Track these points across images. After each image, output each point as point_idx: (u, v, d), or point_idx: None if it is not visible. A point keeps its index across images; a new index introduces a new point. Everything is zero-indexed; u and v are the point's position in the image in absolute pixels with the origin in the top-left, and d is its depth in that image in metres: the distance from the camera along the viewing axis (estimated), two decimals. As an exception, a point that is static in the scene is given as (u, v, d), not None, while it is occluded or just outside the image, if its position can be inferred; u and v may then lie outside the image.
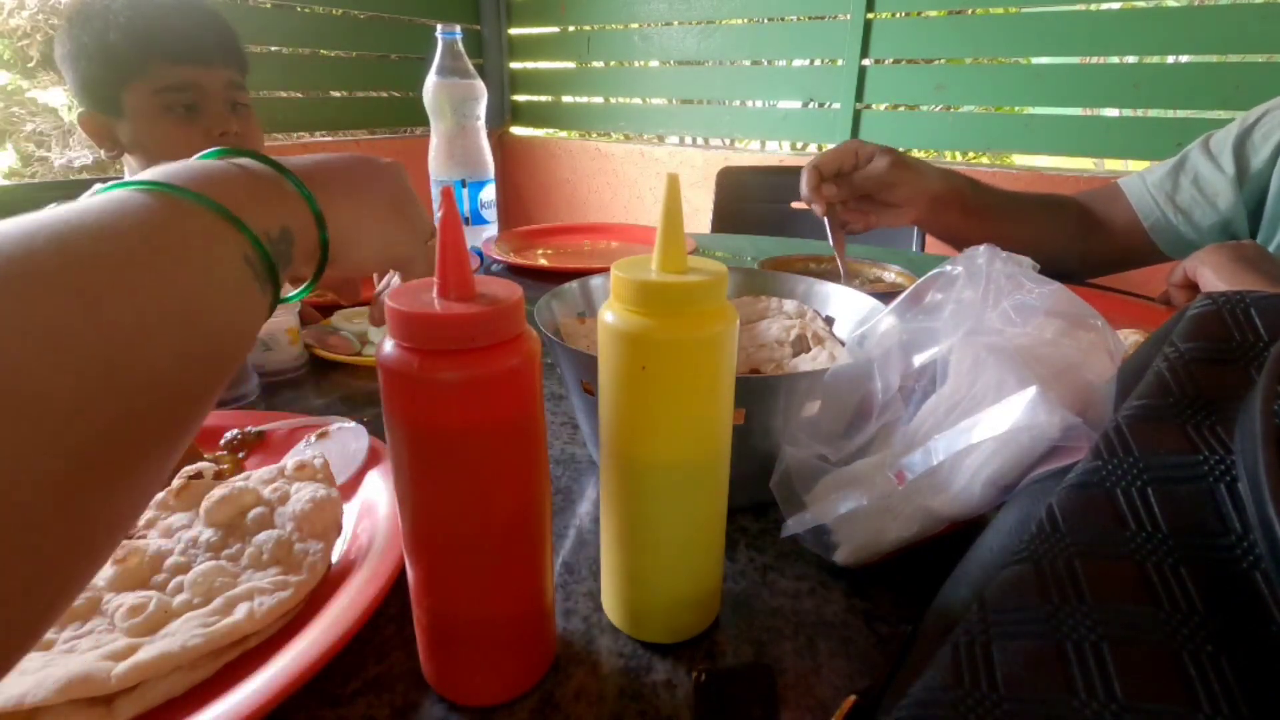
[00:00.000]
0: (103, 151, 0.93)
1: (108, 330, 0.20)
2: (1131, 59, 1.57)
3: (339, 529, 0.36)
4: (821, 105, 1.95)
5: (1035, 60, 1.68)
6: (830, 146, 0.85)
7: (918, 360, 0.36)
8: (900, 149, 0.84)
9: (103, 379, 0.19)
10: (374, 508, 0.39)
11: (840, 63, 1.85)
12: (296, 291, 0.34)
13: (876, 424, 0.37)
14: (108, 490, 0.20)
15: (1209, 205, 0.82)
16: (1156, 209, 0.86)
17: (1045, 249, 0.84)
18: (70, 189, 0.95)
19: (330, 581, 0.34)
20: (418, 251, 0.38)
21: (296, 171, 0.30)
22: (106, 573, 0.32)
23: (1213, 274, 0.64)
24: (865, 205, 0.85)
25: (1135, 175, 0.90)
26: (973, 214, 0.88)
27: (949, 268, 0.37)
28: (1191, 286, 0.69)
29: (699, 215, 1.89)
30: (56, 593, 0.19)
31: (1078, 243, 0.91)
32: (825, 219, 0.83)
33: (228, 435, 0.47)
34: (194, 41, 0.89)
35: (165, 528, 0.35)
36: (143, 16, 0.85)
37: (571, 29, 2.39)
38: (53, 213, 0.22)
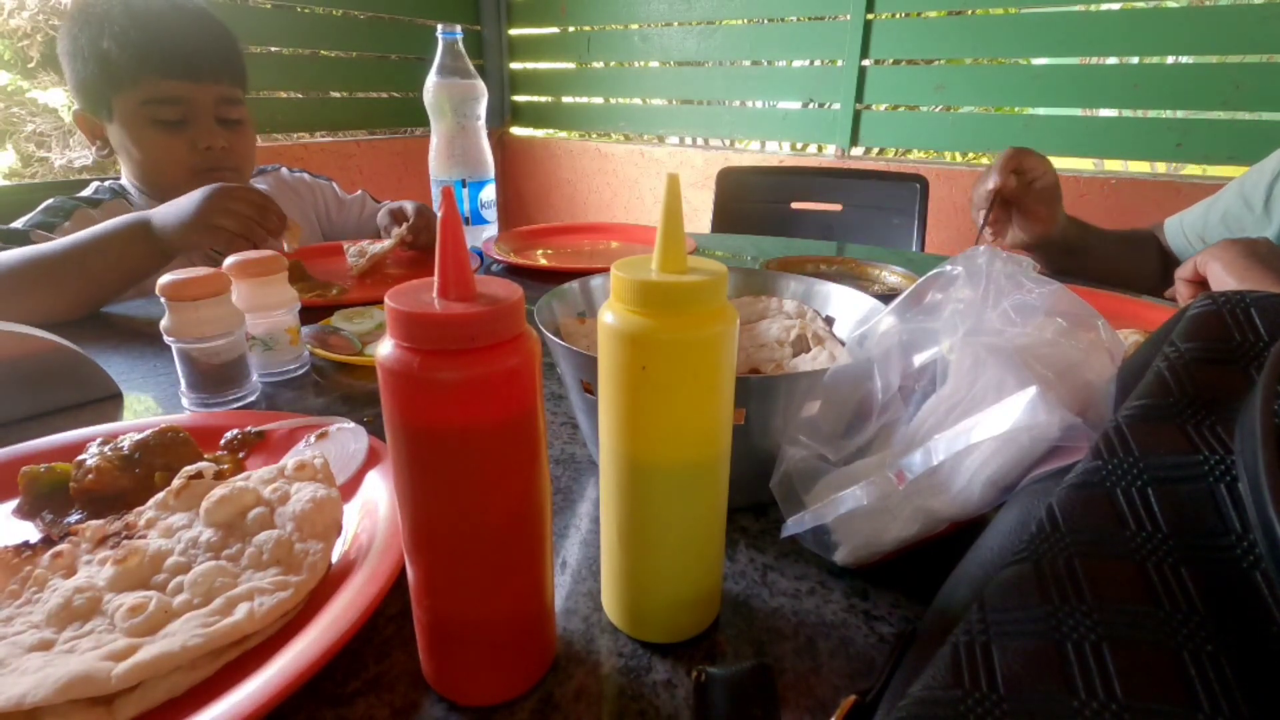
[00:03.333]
0: (93, 151, 0.93)
1: None
2: (1131, 59, 1.57)
3: (339, 529, 0.36)
4: (821, 105, 1.95)
5: (1035, 60, 1.68)
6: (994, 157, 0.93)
7: (918, 360, 0.36)
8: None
9: None
10: (374, 508, 0.39)
11: (840, 63, 1.85)
12: None
13: (876, 424, 0.37)
14: None
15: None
16: (1189, 248, 0.92)
17: (1134, 283, 0.92)
18: (70, 189, 0.95)
19: (330, 581, 0.34)
20: None
21: None
22: (107, 573, 0.32)
23: (1222, 270, 0.64)
24: (1005, 212, 0.92)
25: (1176, 217, 0.96)
26: (1075, 253, 0.94)
27: (949, 268, 0.37)
28: (1201, 282, 0.68)
29: (699, 215, 1.89)
30: None
31: (1160, 274, 0.96)
32: (990, 192, 0.89)
33: (228, 435, 0.47)
34: (188, 56, 0.88)
35: (165, 528, 0.35)
36: (138, 27, 0.85)
37: (571, 29, 2.39)
38: None
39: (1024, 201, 0.90)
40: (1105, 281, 0.89)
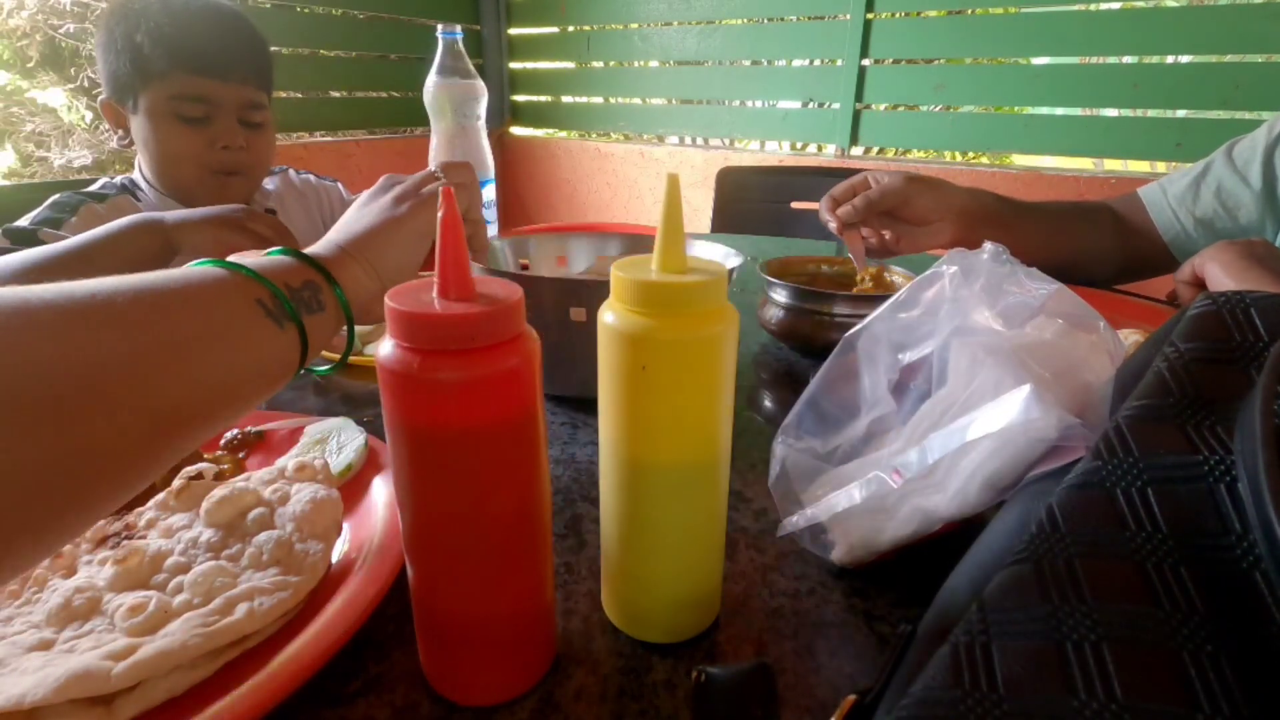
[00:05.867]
0: (115, 139, 0.95)
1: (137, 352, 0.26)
2: (1131, 59, 1.57)
3: (339, 529, 0.36)
4: (821, 105, 1.95)
5: (1035, 60, 1.68)
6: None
7: (908, 358, 0.36)
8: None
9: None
10: (374, 508, 0.39)
11: (840, 63, 1.85)
12: (338, 359, 0.43)
13: (866, 419, 0.37)
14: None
15: (1229, 217, 0.82)
16: (1176, 223, 0.85)
17: (1086, 256, 0.86)
18: (70, 189, 0.95)
19: (330, 581, 0.34)
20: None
21: (323, 249, 0.41)
22: (107, 573, 0.32)
23: (1221, 271, 0.64)
24: (889, 225, 0.82)
25: (1156, 185, 0.88)
26: (1011, 228, 0.85)
27: (945, 266, 0.37)
28: (1200, 284, 0.68)
29: (699, 215, 1.89)
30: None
31: (1115, 248, 0.89)
32: (845, 238, 0.79)
33: (228, 435, 0.47)
34: (217, 56, 0.90)
35: (165, 528, 0.35)
36: (173, 24, 0.87)
37: (571, 29, 2.40)
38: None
39: (895, 211, 0.80)
40: (1051, 259, 0.79)
